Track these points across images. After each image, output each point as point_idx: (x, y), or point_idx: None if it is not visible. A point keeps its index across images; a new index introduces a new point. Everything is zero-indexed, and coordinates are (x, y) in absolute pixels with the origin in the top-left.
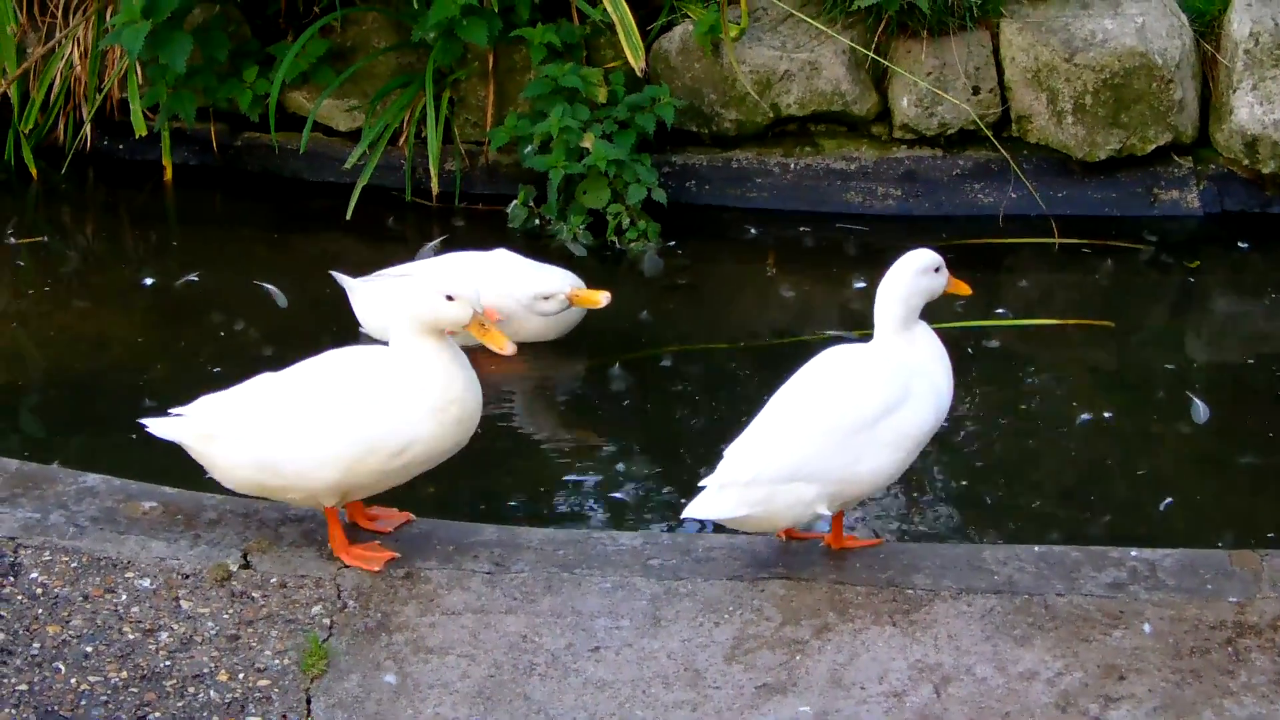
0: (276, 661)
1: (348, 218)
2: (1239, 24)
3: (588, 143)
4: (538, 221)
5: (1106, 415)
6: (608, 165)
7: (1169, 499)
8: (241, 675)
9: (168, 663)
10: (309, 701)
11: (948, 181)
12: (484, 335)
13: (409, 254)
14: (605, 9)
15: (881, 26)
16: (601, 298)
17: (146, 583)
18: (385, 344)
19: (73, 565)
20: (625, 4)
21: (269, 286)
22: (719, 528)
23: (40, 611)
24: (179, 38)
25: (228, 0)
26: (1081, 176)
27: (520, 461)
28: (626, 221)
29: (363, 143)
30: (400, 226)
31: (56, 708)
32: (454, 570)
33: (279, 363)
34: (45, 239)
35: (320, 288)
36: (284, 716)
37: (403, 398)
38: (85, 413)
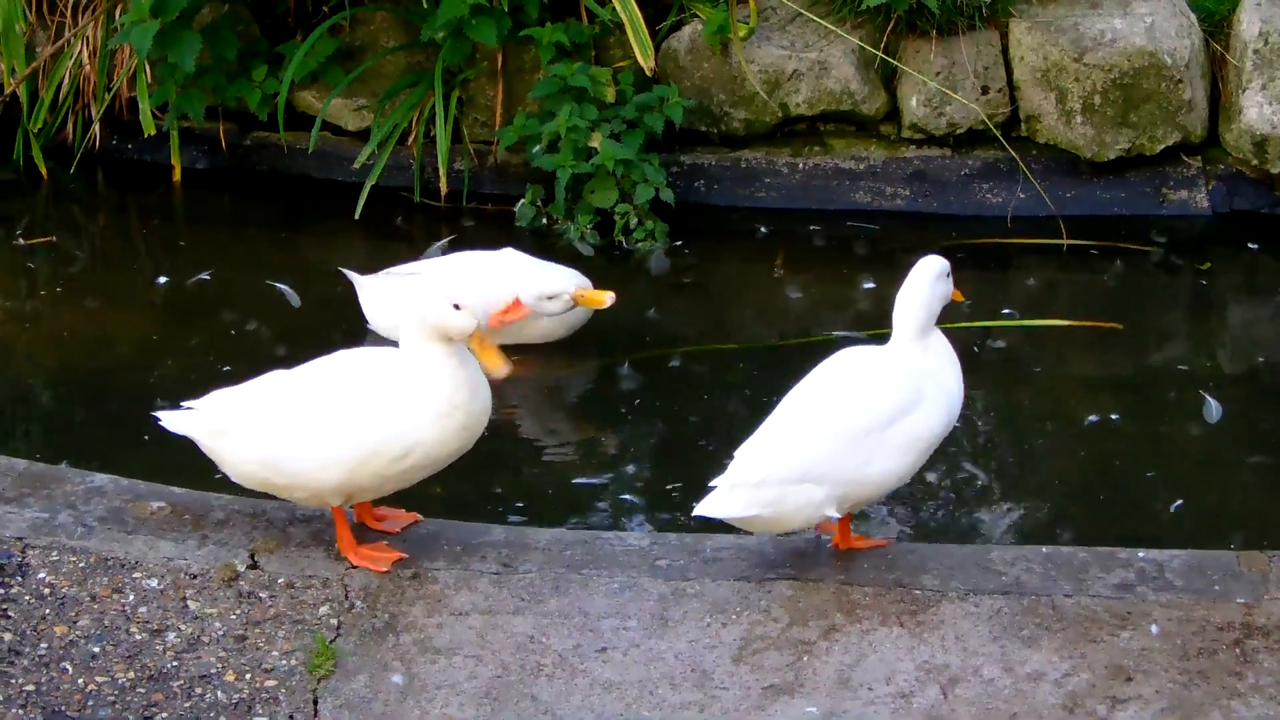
0: (284, 662)
1: (356, 217)
2: (1248, 24)
3: (596, 142)
4: (545, 221)
5: (1114, 416)
6: (616, 165)
7: (1179, 500)
8: (249, 676)
9: (175, 663)
10: (316, 702)
11: (956, 181)
12: (481, 352)
13: (417, 253)
14: (614, 8)
15: (890, 26)
16: (606, 298)
17: (154, 583)
18: (393, 342)
19: (80, 565)
20: (634, 3)
21: (282, 286)
22: (726, 528)
23: (48, 612)
24: (188, 37)
25: (237, 0)
26: (1090, 176)
27: (528, 462)
28: (634, 221)
29: (371, 142)
30: (409, 226)
31: (64, 708)
32: (461, 571)
33: (289, 362)
34: (54, 239)
35: (329, 286)
36: (291, 717)
37: (407, 402)
38: (94, 412)
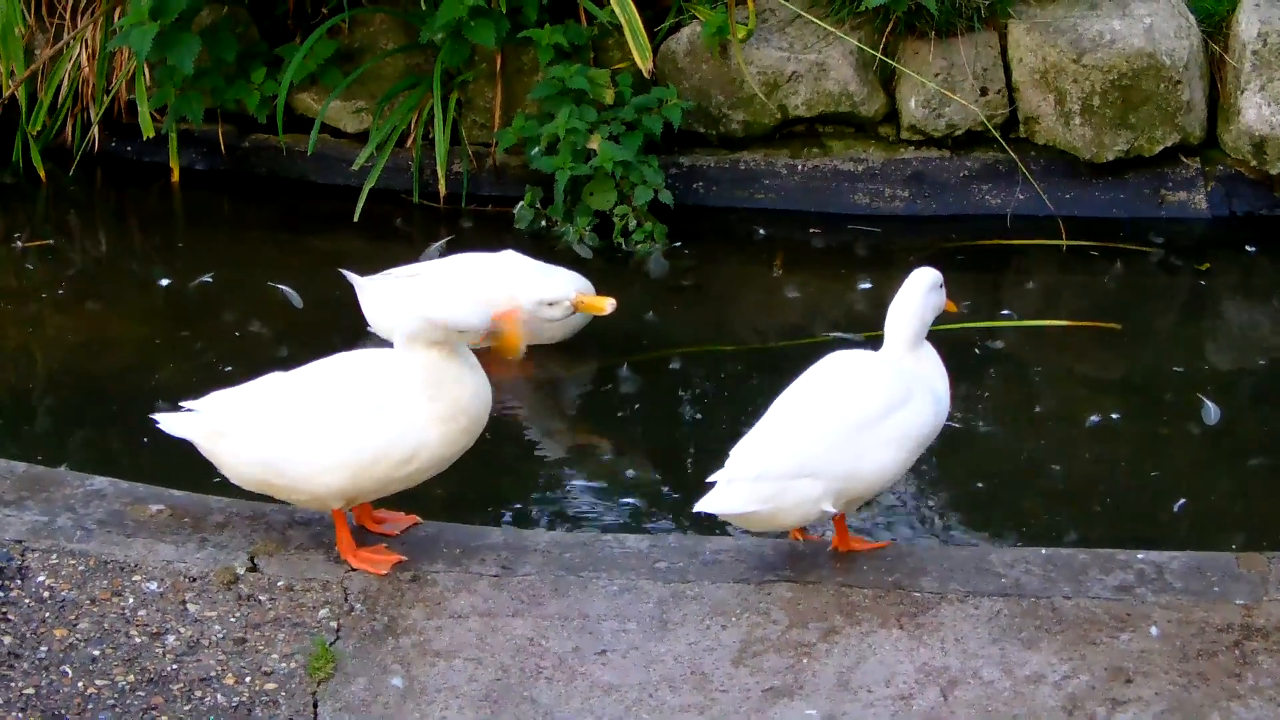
0: (283, 665)
1: (355, 219)
2: (1247, 25)
3: (594, 144)
4: (544, 223)
5: (1114, 417)
6: (614, 167)
7: (1182, 501)
8: (248, 678)
9: (175, 666)
10: (316, 705)
11: (955, 182)
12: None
13: (416, 255)
14: (613, 10)
15: (889, 27)
16: (607, 305)
17: (154, 586)
18: (392, 344)
19: (80, 568)
20: (633, 5)
21: (284, 288)
22: (726, 530)
23: (47, 615)
24: (187, 39)
25: (236, 2)
26: (1089, 177)
27: (527, 464)
28: (633, 223)
29: (370, 144)
30: (408, 228)
31: (64, 711)
32: (461, 573)
33: (290, 364)
34: (51, 241)
35: (329, 289)
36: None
37: (410, 406)
38: (93, 415)
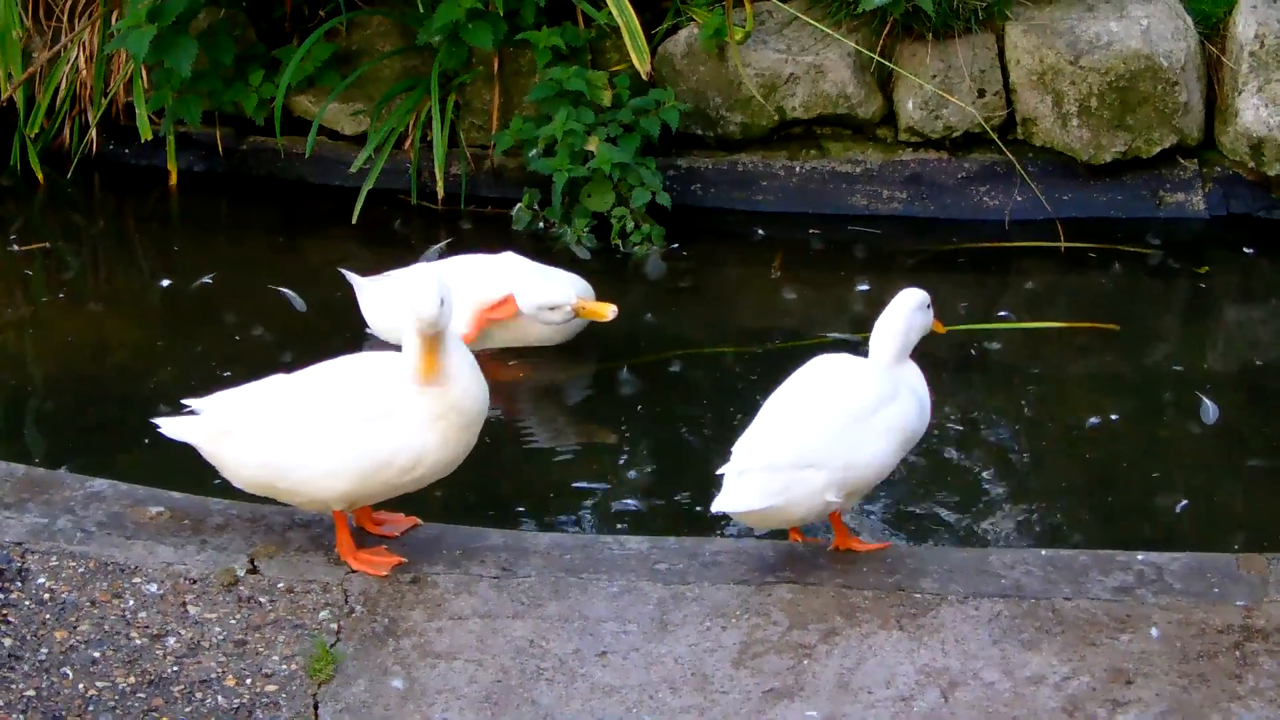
0: (284, 667)
1: (353, 221)
2: (1244, 26)
3: (592, 146)
4: (542, 224)
5: (1113, 418)
6: (612, 168)
7: (1184, 502)
8: (249, 680)
9: (175, 668)
10: (316, 707)
11: (953, 184)
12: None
13: (415, 257)
14: (610, 12)
15: (886, 29)
16: (608, 311)
17: (154, 588)
18: (393, 345)
19: (80, 570)
20: (630, 7)
21: (286, 291)
22: (725, 531)
23: (48, 617)
24: (184, 42)
25: (233, 4)
26: (1087, 179)
27: (527, 466)
28: (631, 225)
29: (368, 146)
30: (406, 230)
31: (64, 713)
32: (461, 575)
33: (290, 366)
34: (48, 244)
35: (328, 291)
36: None
37: (410, 411)
38: (93, 417)
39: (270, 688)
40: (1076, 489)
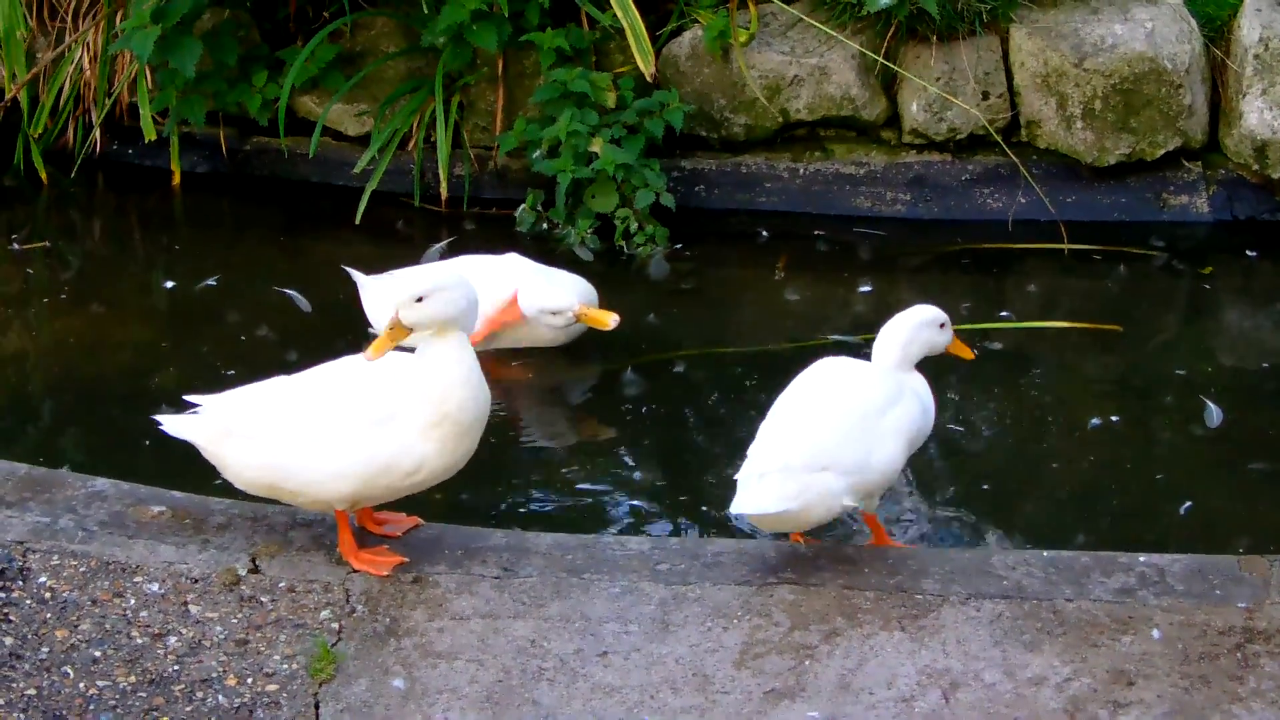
0: (285, 666)
1: (357, 222)
2: (1249, 29)
3: (596, 147)
4: (546, 226)
5: (1115, 419)
6: (616, 170)
7: (1186, 504)
8: (250, 680)
9: (176, 667)
10: (317, 706)
11: (957, 186)
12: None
13: (418, 258)
14: (615, 14)
15: (891, 32)
16: (610, 320)
17: (155, 587)
18: (397, 347)
19: (81, 569)
20: (635, 9)
21: (291, 292)
22: (726, 532)
23: (49, 616)
24: (188, 42)
25: (237, 5)
26: (1090, 181)
27: (529, 466)
28: (634, 226)
29: (372, 147)
30: (409, 231)
31: (65, 712)
32: (462, 575)
33: (293, 367)
34: (47, 243)
35: (331, 292)
36: None
37: (408, 419)
38: (95, 417)
39: (271, 687)
40: (1078, 490)
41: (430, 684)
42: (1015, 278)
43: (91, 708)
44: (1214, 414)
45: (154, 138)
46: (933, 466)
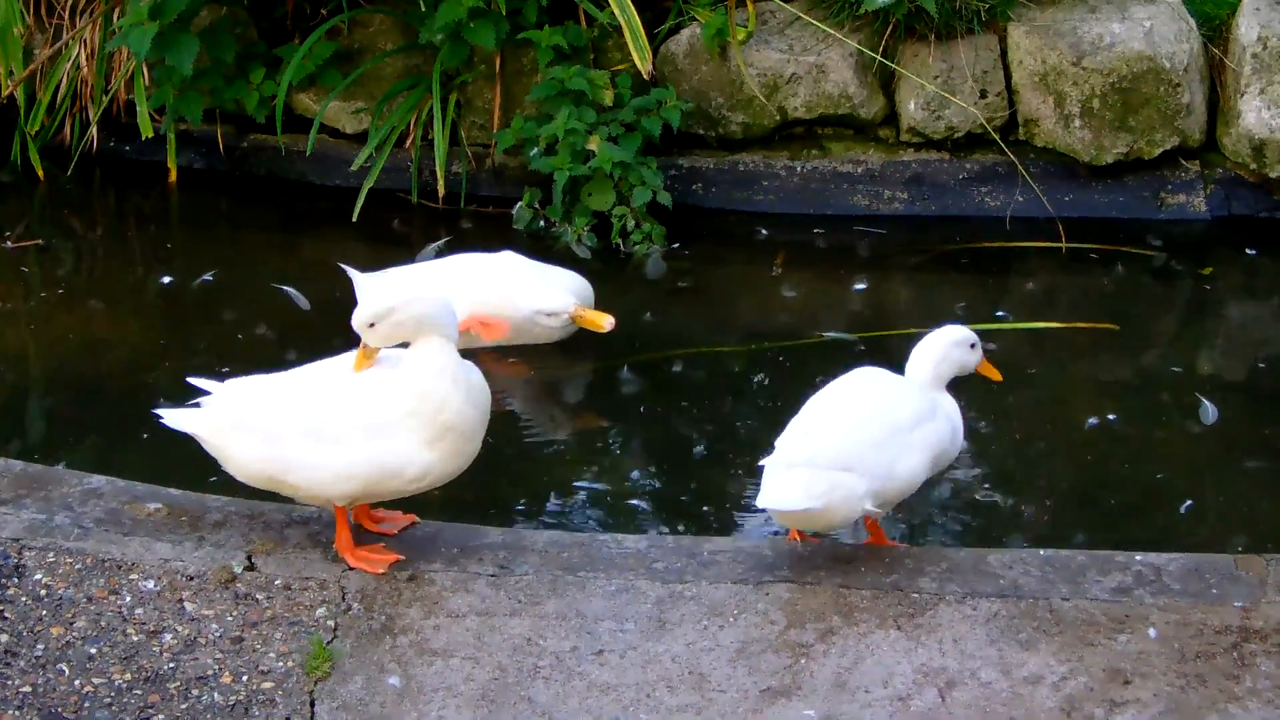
0: (280, 664)
1: (354, 220)
2: (1247, 28)
3: (593, 145)
4: (543, 223)
5: (1111, 418)
6: (613, 168)
7: (1184, 503)
8: (245, 677)
9: (172, 665)
10: (313, 704)
11: (955, 184)
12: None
13: (415, 256)
14: (612, 12)
15: (889, 30)
16: (606, 323)
17: (151, 584)
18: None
19: (77, 567)
20: (632, 7)
21: (289, 289)
22: (722, 530)
23: (44, 613)
24: (186, 40)
25: (235, 2)
26: (1088, 180)
27: (525, 464)
28: (631, 224)
29: (369, 145)
30: (406, 228)
31: (60, 709)
32: (458, 573)
33: (292, 364)
34: (40, 241)
35: (328, 289)
36: (288, 719)
37: (411, 433)
38: (90, 414)
39: (267, 685)
40: (1075, 489)
41: (426, 682)
42: (1013, 276)
43: (87, 705)
44: (1210, 412)
45: (151, 135)
46: None
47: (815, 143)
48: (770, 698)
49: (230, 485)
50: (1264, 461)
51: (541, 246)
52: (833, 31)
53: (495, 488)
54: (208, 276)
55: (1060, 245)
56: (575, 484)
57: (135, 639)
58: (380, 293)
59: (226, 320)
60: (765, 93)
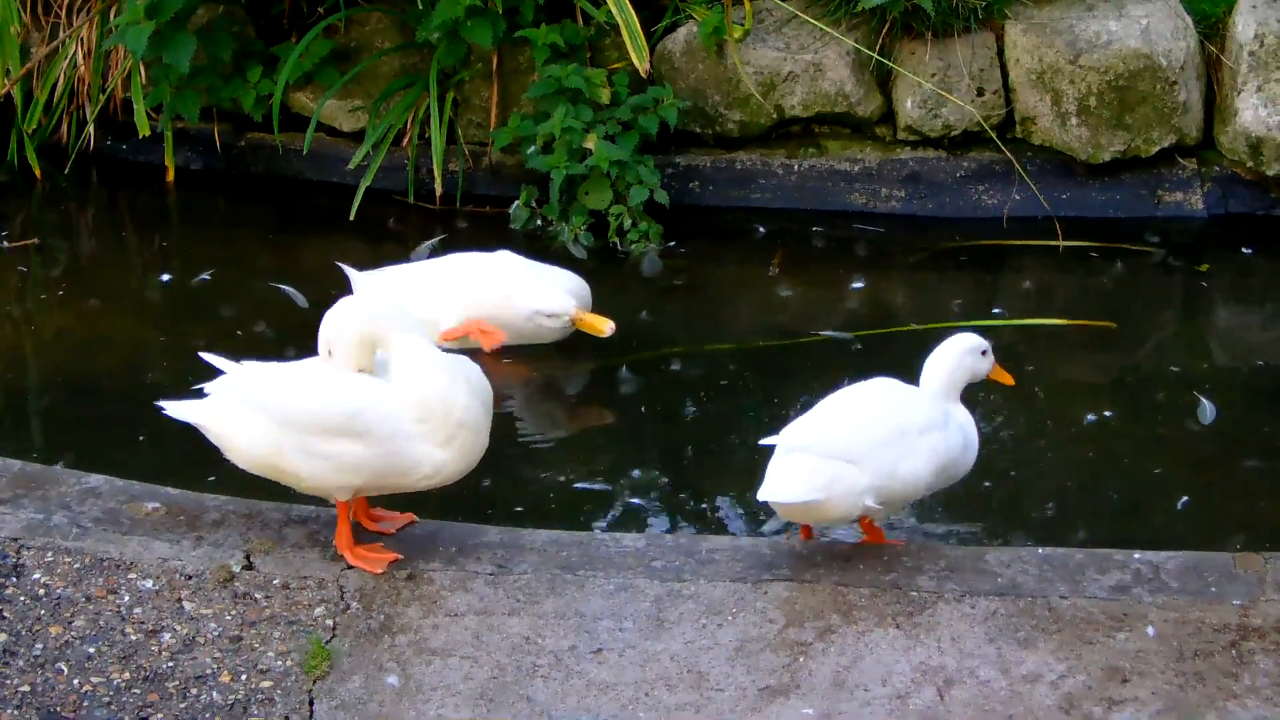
0: (279, 663)
1: (351, 218)
2: (1244, 26)
3: (590, 143)
4: (540, 222)
5: (1107, 415)
6: (610, 166)
7: (1182, 500)
8: (244, 676)
9: (170, 664)
10: (311, 703)
11: (952, 183)
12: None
13: (411, 255)
14: (609, 10)
15: (886, 28)
16: (606, 328)
17: (149, 584)
18: None
19: (75, 566)
20: (629, 5)
21: (287, 288)
22: (720, 529)
23: (43, 612)
24: (183, 38)
25: (232, 1)
26: (1085, 178)
27: (524, 463)
28: (628, 223)
29: (366, 143)
30: (403, 227)
31: (59, 708)
32: (457, 572)
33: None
34: (37, 241)
35: (325, 288)
36: (286, 718)
37: (421, 437)
38: (88, 413)
39: (265, 684)
40: (1073, 487)
41: (424, 681)
42: (1010, 274)
43: (85, 704)
44: (1207, 410)
45: (148, 133)
46: None
47: (812, 141)
48: (769, 696)
49: (228, 485)
50: (1262, 459)
51: (538, 245)
52: (829, 30)
53: (494, 487)
54: (206, 275)
55: (1057, 243)
56: (573, 483)
57: (134, 638)
58: (325, 323)
59: (225, 318)
60: (762, 91)
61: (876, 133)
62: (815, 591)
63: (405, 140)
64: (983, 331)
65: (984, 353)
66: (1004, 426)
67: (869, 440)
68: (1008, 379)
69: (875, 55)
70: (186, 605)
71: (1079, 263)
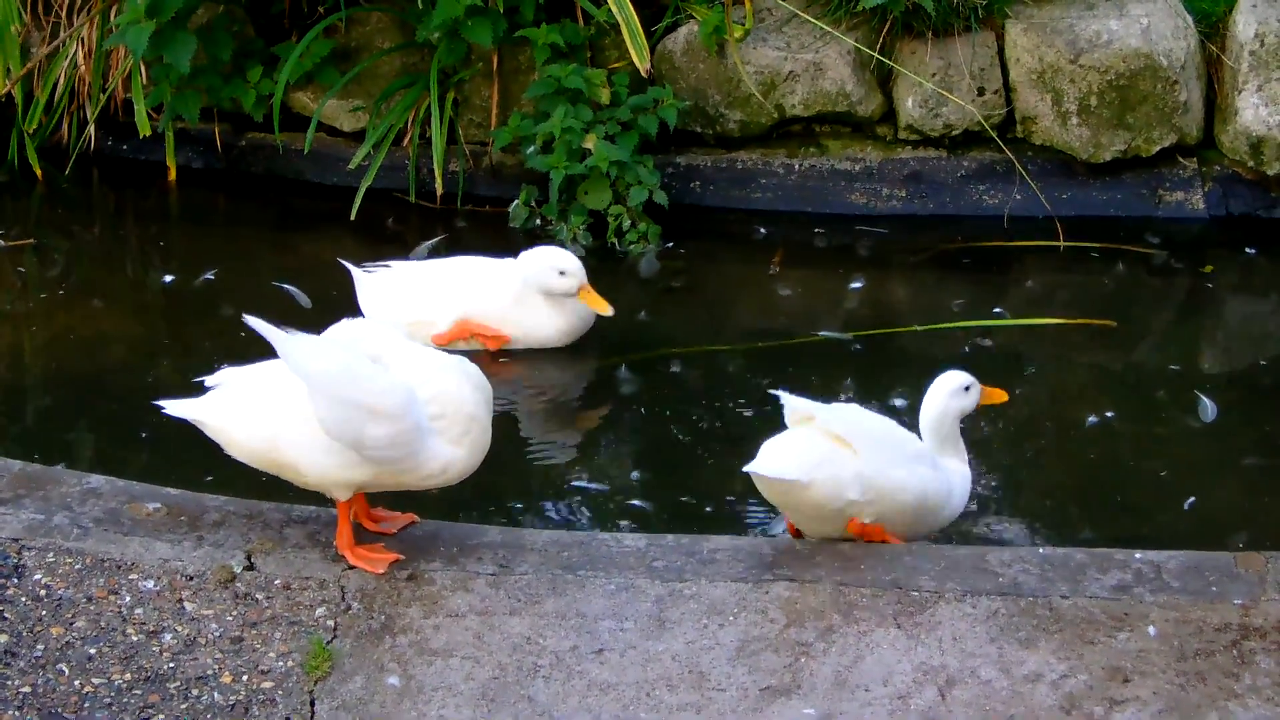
0: (280, 663)
1: (352, 218)
2: (1244, 25)
3: (590, 143)
4: (539, 222)
5: (1109, 414)
6: (609, 166)
7: (1186, 500)
8: (245, 677)
9: (171, 664)
10: (313, 703)
11: (952, 182)
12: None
13: (409, 255)
14: (610, 10)
15: (886, 27)
16: (608, 308)
17: (150, 584)
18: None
19: (76, 567)
20: (630, 5)
21: (290, 288)
22: (722, 529)
23: (44, 613)
24: (183, 38)
25: (232, 0)
26: (1086, 178)
27: (525, 463)
28: (627, 223)
29: (367, 143)
30: (403, 227)
31: (60, 710)
32: (458, 572)
33: None
34: (34, 240)
35: (326, 287)
36: (288, 718)
37: (437, 434)
38: (89, 414)
39: (267, 684)
40: (1074, 487)
41: (426, 681)
42: (1011, 274)
43: (87, 705)
44: (1209, 409)
45: (149, 133)
46: None
47: (813, 141)
48: (770, 696)
49: (229, 485)
50: (1263, 459)
51: (537, 244)
52: (830, 29)
53: (494, 487)
54: (209, 275)
55: (1058, 243)
56: (574, 483)
57: (135, 639)
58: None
59: (226, 318)
60: (763, 90)
61: (877, 132)
62: (816, 591)
63: (406, 140)
64: (983, 332)
65: (966, 388)
66: (1005, 426)
67: (871, 431)
68: (1000, 397)
69: (876, 55)
70: (188, 606)
71: (1079, 262)
